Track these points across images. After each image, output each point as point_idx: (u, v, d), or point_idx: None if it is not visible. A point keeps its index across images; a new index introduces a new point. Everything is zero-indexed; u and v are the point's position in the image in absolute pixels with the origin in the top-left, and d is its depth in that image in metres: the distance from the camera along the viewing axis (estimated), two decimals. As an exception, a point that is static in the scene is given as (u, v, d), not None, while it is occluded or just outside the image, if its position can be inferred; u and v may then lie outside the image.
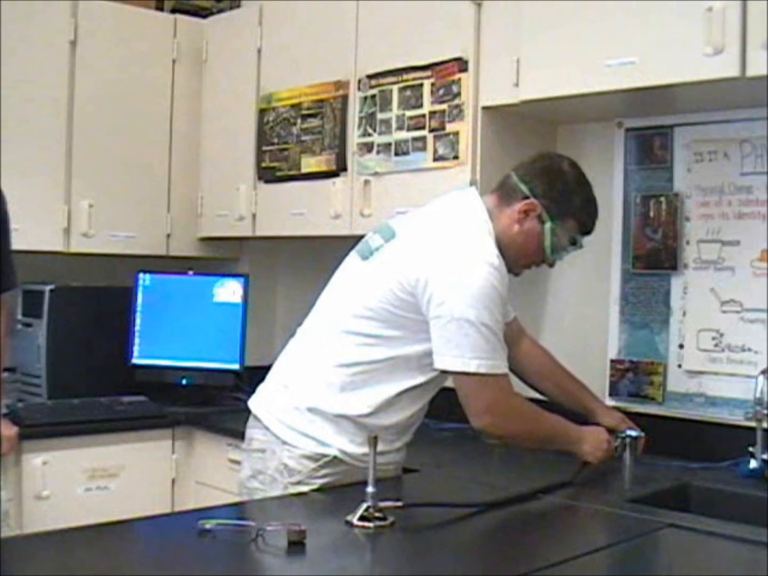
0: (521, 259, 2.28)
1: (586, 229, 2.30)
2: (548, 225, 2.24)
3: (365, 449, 2.10)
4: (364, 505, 1.82)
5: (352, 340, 2.18)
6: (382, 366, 2.18)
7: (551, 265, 2.36)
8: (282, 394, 2.25)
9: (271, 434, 2.22)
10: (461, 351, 2.09)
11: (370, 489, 1.83)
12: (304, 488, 2.16)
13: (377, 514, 1.82)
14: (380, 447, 2.14)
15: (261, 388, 2.34)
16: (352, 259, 2.31)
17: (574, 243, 2.29)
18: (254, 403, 2.31)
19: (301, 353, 2.30)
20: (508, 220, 2.25)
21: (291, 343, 2.36)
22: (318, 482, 2.16)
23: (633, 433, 2.50)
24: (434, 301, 2.10)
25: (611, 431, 2.44)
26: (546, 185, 2.24)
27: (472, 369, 2.10)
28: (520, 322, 2.61)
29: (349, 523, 1.82)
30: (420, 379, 2.21)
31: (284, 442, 2.19)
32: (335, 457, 2.17)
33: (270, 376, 2.34)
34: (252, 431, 2.29)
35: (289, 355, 2.33)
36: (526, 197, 2.24)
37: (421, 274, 2.11)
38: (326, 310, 2.30)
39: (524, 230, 2.24)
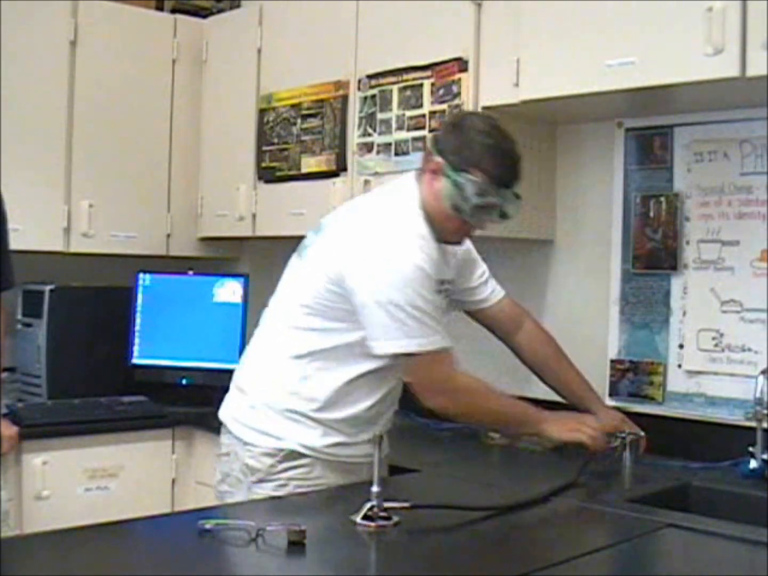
0: (445, 224, 2.19)
1: (496, 180, 2.13)
2: (452, 179, 2.13)
3: (326, 440, 2.18)
4: (369, 505, 1.82)
5: (298, 335, 2.21)
6: (328, 356, 2.19)
7: (475, 227, 2.23)
8: (239, 395, 2.30)
9: (233, 437, 2.26)
10: (395, 334, 2.09)
11: (374, 488, 1.82)
12: (267, 486, 2.18)
13: (381, 514, 1.82)
14: (341, 438, 2.20)
15: (227, 395, 2.38)
16: (293, 258, 2.35)
17: (483, 195, 2.12)
18: (221, 409, 2.35)
19: (253, 353, 2.34)
20: (426, 188, 2.20)
21: (248, 345, 2.40)
22: (280, 478, 2.18)
23: (638, 433, 2.51)
24: (359, 291, 2.10)
25: (612, 433, 2.42)
26: (448, 140, 2.17)
27: (412, 349, 2.09)
28: (520, 304, 2.61)
29: (353, 522, 1.82)
30: (367, 365, 2.19)
31: (245, 443, 2.22)
32: (293, 451, 2.18)
33: (232, 381, 2.38)
34: (221, 437, 2.33)
35: (245, 357, 2.37)
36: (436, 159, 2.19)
37: (343, 266, 2.13)
38: (273, 310, 2.33)
39: (436, 191, 2.17)
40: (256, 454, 2.20)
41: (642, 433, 2.47)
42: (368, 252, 2.11)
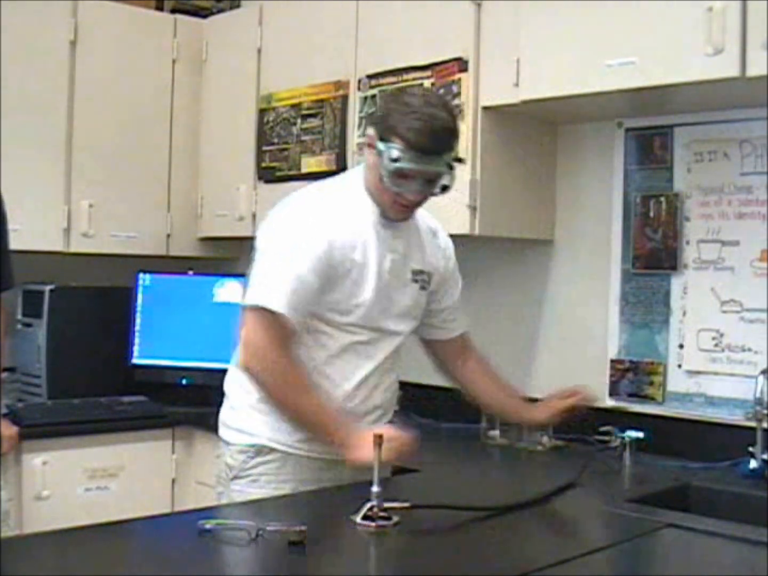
0: (381, 196, 2.17)
1: (413, 145, 2.06)
2: (378, 149, 2.11)
3: (297, 435, 2.17)
4: (369, 505, 1.82)
5: None
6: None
7: (410, 198, 2.14)
8: (225, 399, 2.34)
9: (221, 439, 2.31)
10: (253, 283, 2.14)
11: (375, 488, 1.82)
12: (240, 482, 2.21)
13: (381, 514, 1.82)
14: (301, 435, 2.18)
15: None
16: None
17: (397, 161, 2.06)
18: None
19: (233, 353, 2.35)
20: (367, 164, 2.21)
21: None
22: (251, 474, 2.20)
23: (632, 434, 2.51)
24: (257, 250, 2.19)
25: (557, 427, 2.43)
26: (379, 111, 2.20)
27: (252, 300, 2.12)
28: (470, 338, 2.54)
29: (353, 522, 1.82)
30: (325, 352, 2.18)
31: (226, 443, 2.27)
32: (264, 446, 2.19)
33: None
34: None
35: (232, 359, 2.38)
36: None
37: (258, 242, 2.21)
38: None
39: (370, 165, 2.17)
40: (233, 452, 2.24)
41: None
42: (275, 218, 2.19)
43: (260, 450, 2.19)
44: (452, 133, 2.14)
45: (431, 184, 2.14)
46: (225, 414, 2.31)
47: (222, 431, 2.30)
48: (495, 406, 2.58)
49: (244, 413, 2.24)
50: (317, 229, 2.12)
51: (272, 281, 2.10)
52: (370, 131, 2.16)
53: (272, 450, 2.19)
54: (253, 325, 2.11)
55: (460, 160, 2.19)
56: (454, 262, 2.42)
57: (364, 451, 1.97)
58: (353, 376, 2.20)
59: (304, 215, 2.16)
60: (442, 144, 2.10)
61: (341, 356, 2.19)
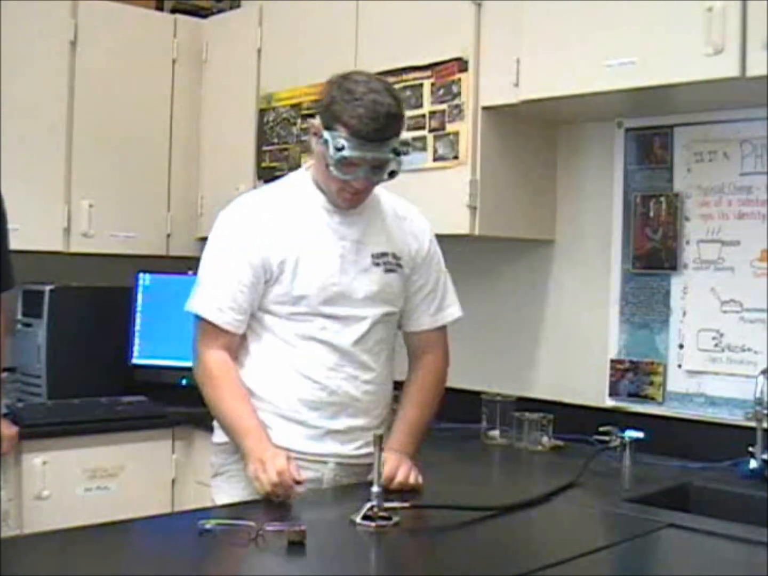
0: (328, 185, 2.14)
1: (357, 132, 2.02)
2: (323, 137, 2.07)
3: (276, 432, 2.12)
4: (369, 504, 1.82)
5: None
6: (246, 341, 2.21)
7: (356, 186, 2.10)
8: None
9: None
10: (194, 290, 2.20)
11: (375, 488, 1.83)
12: (219, 479, 2.23)
13: (382, 514, 1.82)
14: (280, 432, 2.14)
15: None
16: None
17: (341, 149, 2.02)
18: None
19: None
20: (314, 155, 2.19)
21: None
22: (230, 470, 2.20)
23: (632, 434, 2.51)
24: None
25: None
26: (324, 99, 2.12)
27: (189, 306, 2.18)
28: (444, 340, 2.36)
29: (353, 522, 1.82)
30: (269, 345, 2.18)
31: (212, 442, 2.29)
32: None
33: None
34: None
35: None
36: None
37: None
38: None
39: (316, 154, 2.15)
40: (216, 450, 2.26)
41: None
42: (216, 222, 2.24)
43: (238, 448, 2.15)
44: (397, 119, 2.09)
45: (378, 171, 2.09)
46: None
47: (214, 433, 2.30)
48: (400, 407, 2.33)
49: None
50: (249, 230, 2.15)
51: (205, 287, 2.17)
52: (315, 120, 2.13)
53: None
54: (195, 331, 2.18)
55: (407, 144, 2.14)
56: (429, 250, 2.31)
57: (262, 469, 1.96)
58: (319, 366, 2.16)
59: (235, 216, 2.20)
60: (387, 130, 2.06)
61: (303, 345, 2.15)
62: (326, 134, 2.06)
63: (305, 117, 3.38)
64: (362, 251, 2.20)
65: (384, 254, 2.22)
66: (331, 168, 2.06)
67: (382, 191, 2.27)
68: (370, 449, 2.15)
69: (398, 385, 2.36)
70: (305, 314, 2.15)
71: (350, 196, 2.13)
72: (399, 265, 2.25)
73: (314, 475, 2.14)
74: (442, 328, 2.35)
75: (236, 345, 2.19)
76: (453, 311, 2.35)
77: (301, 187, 2.22)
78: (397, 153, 2.10)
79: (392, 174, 2.12)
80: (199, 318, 2.17)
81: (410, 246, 2.27)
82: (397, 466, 2.09)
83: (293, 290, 2.14)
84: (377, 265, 2.21)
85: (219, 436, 2.24)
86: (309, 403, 2.15)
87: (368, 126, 2.03)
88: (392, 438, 2.21)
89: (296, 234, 2.16)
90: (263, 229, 2.15)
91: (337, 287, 2.15)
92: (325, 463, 2.17)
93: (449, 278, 2.38)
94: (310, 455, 2.15)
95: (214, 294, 2.14)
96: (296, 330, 2.15)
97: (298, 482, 1.97)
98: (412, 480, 2.09)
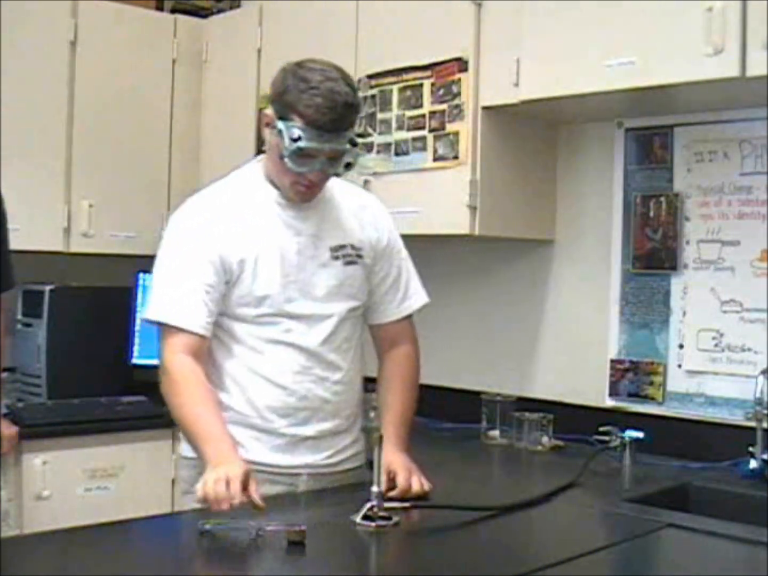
0: (280, 178, 2.07)
1: (313, 123, 1.96)
2: (277, 128, 1.99)
3: (250, 447, 2.05)
4: (369, 505, 1.82)
5: None
6: (211, 347, 2.11)
7: (311, 178, 2.03)
8: None
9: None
10: (151, 299, 2.11)
11: (375, 488, 1.83)
12: (189, 497, 2.05)
13: (382, 514, 1.82)
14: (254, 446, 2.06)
15: None
16: None
17: (298, 140, 1.95)
18: None
19: None
20: (266, 147, 2.11)
21: None
22: (197, 489, 1.96)
23: (632, 434, 2.51)
24: None
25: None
26: (272, 90, 2.05)
27: (148, 315, 2.09)
28: (412, 330, 2.29)
29: (353, 522, 1.82)
30: (235, 352, 2.10)
31: (180, 455, 2.19)
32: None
33: None
34: None
35: None
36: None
37: None
38: None
39: (270, 146, 2.07)
40: (186, 465, 2.14)
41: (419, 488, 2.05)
42: (168, 225, 2.16)
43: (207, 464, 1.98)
44: (354, 109, 2.02)
45: (334, 163, 2.03)
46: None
47: (181, 446, 2.19)
48: (381, 402, 2.24)
49: None
50: (203, 231, 2.06)
51: (164, 292, 2.07)
52: (268, 110, 2.05)
53: None
54: (160, 342, 2.07)
55: (362, 136, 2.09)
56: (390, 239, 2.25)
57: (216, 482, 1.81)
58: (286, 370, 2.08)
59: (188, 217, 2.11)
60: (344, 120, 1.99)
61: (269, 350, 2.08)
62: (280, 124, 1.98)
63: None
64: (319, 245, 2.12)
65: (342, 247, 2.15)
66: (286, 160, 1.99)
67: (337, 181, 2.19)
68: (342, 457, 2.16)
69: (368, 381, 2.30)
70: (270, 315, 2.07)
71: (304, 189, 2.06)
72: (359, 257, 2.17)
73: (287, 489, 2.08)
74: (409, 317, 2.28)
75: (204, 352, 2.06)
76: (419, 298, 2.29)
77: (252, 181, 2.14)
78: (354, 144, 2.04)
79: (348, 166, 2.05)
80: (163, 326, 2.04)
81: (370, 236, 2.20)
82: (409, 477, 2.03)
83: (255, 290, 2.06)
84: (336, 258, 2.13)
85: (186, 449, 2.13)
86: (278, 411, 2.08)
87: (326, 116, 1.96)
88: (388, 433, 2.08)
89: (253, 231, 2.08)
90: (220, 228, 2.06)
91: (296, 284, 2.08)
92: (298, 475, 2.10)
93: (411, 264, 2.30)
94: (282, 468, 2.09)
95: (179, 297, 2.03)
96: (261, 334, 2.07)
97: (256, 506, 1.81)
98: (426, 487, 2.05)
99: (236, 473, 1.82)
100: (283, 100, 2.00)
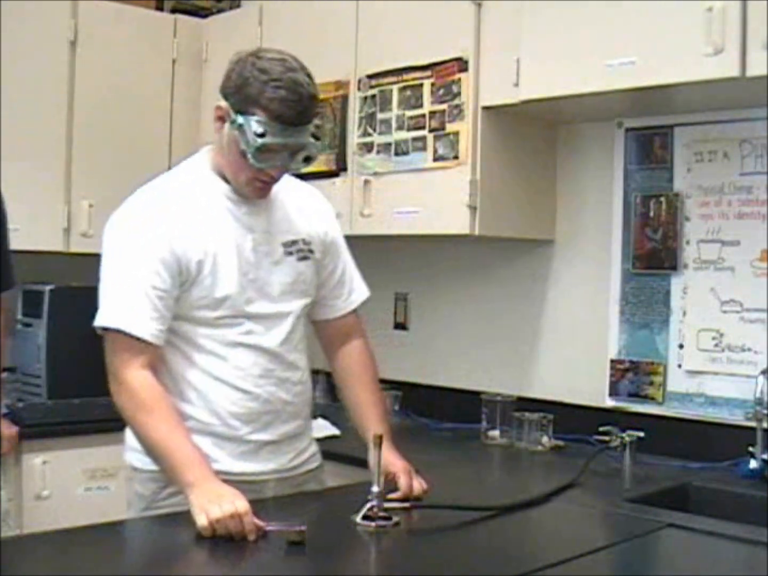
0: (237, 175, 1.97)
1: (279, 117, 1.88)
2: (236, 122, 1.90)
3: (215, 454, 1.96)
4: (369, 505, 1.82)
5: None
6: (166, 355, 2.00)
7: (271, 173, 1.96)
8: None
9: (127, 462, 2.09)
10: (101, 305, 1.94)
11: (375, 488, 1.82)
12: (152, 514, 1.97)
13: (381, 514, 1.82)
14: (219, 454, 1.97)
15: None
16: None
17: (263, 135, 1.87)
18: None
19: None
20: (216, 141, 2.01)
21: None
22: (164, 506, 1.95)
23: (632, 434, 2.51)
24: None
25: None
26: (230, 80, 1.94)
27: (98, 322, 1.93)
28: (361, 323, 2.26)
29: (353, 522, 1.82)
30: (196, 360, 1.99)
31: (134, 468, 2.04)
32: None
33: None
34: None
35: None
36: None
37: None
38: None
39: (224, 141, 1.96)
40: (143, 479, 2.01)
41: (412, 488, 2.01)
42: (111, 224, 2.00)
43: (170, 480, 1.92)
44: (316, 100, 1.96)
45: (295, 157, 1.96)
46: (129, 435, 2.04)
47: (128, 455, 2.06)
48: (353, 418, 2.20)
49: None
50: (155, 229, 1.93)
51: (117, 298, 1.92)
52: (222, 103, 1.94)
53: None
54: (107, 347, 1.94)
55: (318, 127, 2.02)
56: (336, 229, 2.20)
57: (209, 510, 1.71)
58: (250, 372, 2.00)
59: (135, 215, 1.98)
60: (309, 113, 1.93)
61: (230, 353, 1.99)
62: (241, 119, 1.89)
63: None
64: (272, 242, 2.05)
65: (294, 242, 2.08)
66: (249, 156, 1.89)
67: None
68: (303, 458, 2.11)
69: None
70: (230, 317, 1.97)
71: (262, 185, 1.98)
72: (311, 251, 2.11)
73: (255, 497, 1.91)
74: (356, 310, 2.24)
75: (157, 361, 1.95)
76: (363, 290, 2.25)
77: (201, 175, 2.03)
78: (317, 137, 1.98)
79: (307, 160, 1.98)
80: (113, 334, 1.91)
81: (318, 229, 2.13)
82: (410, 479, 2.00)
83: (214, 292, 1.95)
84: (290, 254, 2.06)
85: (143, 461, 1.99)
86: (242, 417, 1.99)
87: (292, 109, 1.88)
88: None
89: (208, 229, 1.97)
90: (172, 226, 1.93)
91: (255, 284, 2.00)
92: (265, 482, 2.04)
93: (350, 256, 2.25)
94: (249, 475, 2.01)
95: (130, 304, 1.90)
96: (221, 337, 1.98)
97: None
98: (425, 487, 2.02)
99: (245, 507, 1.72)
100: (243, 93, 1.90)
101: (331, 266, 2.18)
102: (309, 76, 1.95)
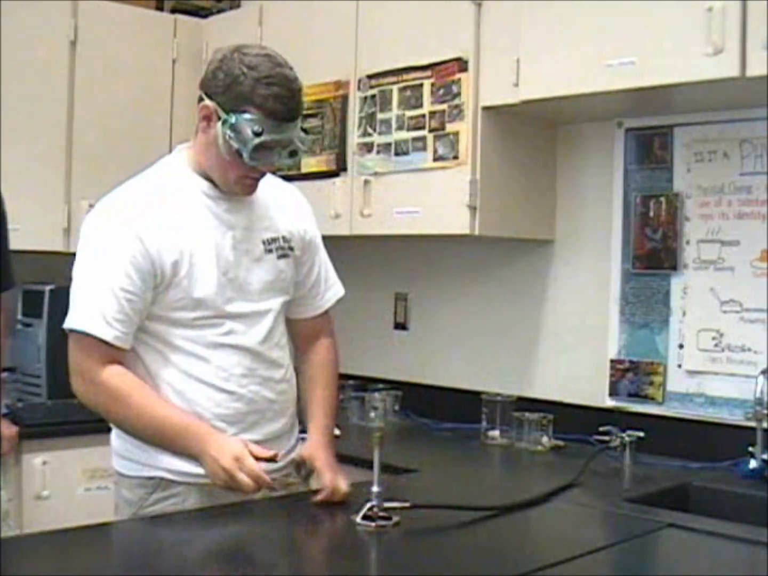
0: (226, 174, 1.95)
1: (273, 114, 1.88)
2: (227, 122, 1.89)
3: (192, 467, 1.93)
4: (369, 505, 1.82)
5: None
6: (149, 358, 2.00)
7: (263, 170, 1.96)
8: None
9: (114, 469, 2.09)
10: (71, 307, 1.98)
11: (374, 488, 1.82)
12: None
13: (381, 514, 1.82)
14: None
15: None
16: None
17: (260, 134, 1.86)
18: None
19: None
20: (200, 140, 1.99)
21: None
22: (152, 512, 1.95)
23: (632, 434, 2.51)
24: None
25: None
26: (217, 78, 1.93)
27: (67, 324, 1.97)
28: (332, 322, 2.25)
29: (353, 522, 1.82)
30: (176, 363, 1.97)
31: (121, 474, 2.04)
32: (164, 479, 1.95)
33: None
34: None
35: None
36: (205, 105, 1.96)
37: None
38: None
39: (211, 139, 1.94)
40: (131, 485, 2.00)
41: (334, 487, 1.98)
42: (86, 224, 2.01)
43: (159, 483, 1.95)
44: (302, 93, 1.95)
45: (284, 152, 1.95)
46: (114, 441, 2.08)
47: (115, 461, 2.06)
48: (304, 410, 2.17)
49: (136, 442, 1.99)
50: (127, 229, 1.90)
51: (85, 299, 1.94)
52: (208, 102, 1.94)
53: (172, 482, 1.95)
54: (72, 348, 1.97)
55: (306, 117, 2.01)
56: (313, 227, 2.18)
57: (219, 464, 1.79)
58: (232, 373, 1.98)
59: (110, 216, 1.96)
60: (300, 108, 1.94)
61: (211, 355, 1.96)
62: (233, 118, 1.87)
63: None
64: (252, 239, 2.02)
65: (274, 239, 2.06)
66: (245, 154, 1.88)
67: None
68: (287, 459, 2.05)
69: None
70: (209, 318, 1.95)
71: (251, 182, 1.97)
72: (291, 248, 2.09)
73: (244, 498, 1.93)
74: (328, 309, 2.23)
75: (125, 363, 1.94)
76: (337, 290, 2.23)
77: (178, 173, 2.01)
78: (306, 131, 1.99)
79: (293, 154, 1.97)
80: (78, 334, 1.94)
81: (297, 227, 2.12)
82: (336, 478, 1.97)
83: (192, 292, 1.92)
84: (270, 252, 2.04)
85: (132, 468, 2.00)
86: (227, 418, 1.97)
87: (285, 105, 1.88)
88: (314, 422, 2.08)
89: (184, 228, 1.94)
90: (147, 227, 1.91)
91: (234, 282, 1.98)
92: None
93: (326, 254, 2.23)
94: None
95: (98, 306, 1.91)
96: (200, 339, 1.95)
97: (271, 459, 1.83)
98: (348, 489, 1.97)
99: (251, 464, 1.79)
100: (234, 91, 1.89)
101: (308, 264, 2.16)
102: (292, 69, 1.95)
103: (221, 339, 1.97)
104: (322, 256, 2.21)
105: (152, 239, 1.90)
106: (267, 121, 1.87)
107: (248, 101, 1.88)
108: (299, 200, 2.19)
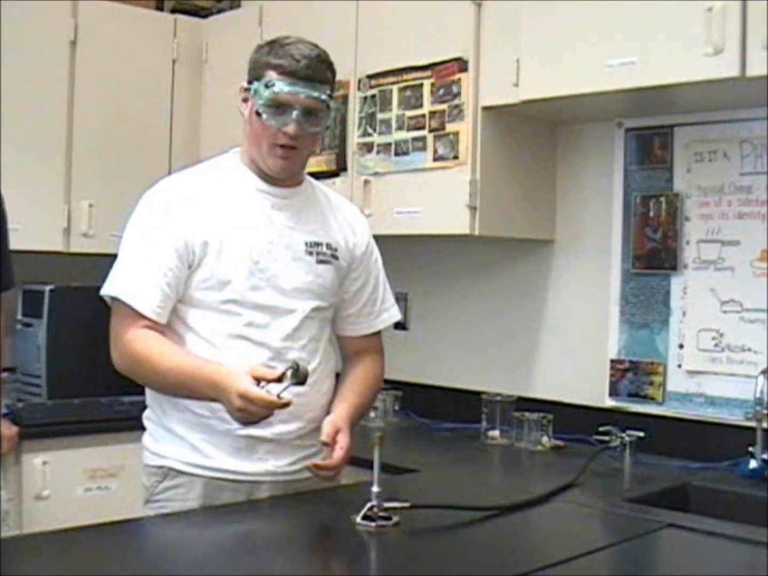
0: (257, 144, 2.03)
1: (283, 70, 1.96)
2: (252, 90, 2.00)
3: (208, 454, 1.97)
4: (369, 505, 1.82)
5: None
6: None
7: (283, 138, 1.99)
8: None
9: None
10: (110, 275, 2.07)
11: (374, 488, 1.82)
12: (150, 507, 2.03)
13: (381, 514, 1.82)
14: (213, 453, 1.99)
15: None
16: None
17: (272, 86, 1.95)
18: None
19: None
20: (244, 127, 2.10)
21: None
22: (159, 500, 2.01)
23: (632, 434, 2.51)
24: None
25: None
26: (249, 66, 2.06)
27: (104, 291, 2.05)
28: (382, 342, 2.25)
29: (353, 522, 1.82)
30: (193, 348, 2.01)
31: (145, 465, 2.09)
32: (172, 469, 2.01)
33: None
34: None
35: None
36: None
37: None
38: None
39: (249, 116, 2.05)
40: (147, 473, 2.07)
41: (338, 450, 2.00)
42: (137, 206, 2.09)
43: (167, 473, 2.01)
44: (327, 65, 2.02)
45: (310, 118, 1.98)
46: (146, 431, 2.12)
47: (144, 450, 2.12)
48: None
49: (154, 432, 2.07)
50: (166, 211, 2.00)
51: (125, 270, 2.02)
52: (243, 84, 2.05)
53: (179, 473, 2.00)
54: (112, 313, 2.05)
55: (331, 97, 2.00)
56: (368, 246, 2.20)
57: (232, 407, 1.81)
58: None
59: (158, 196, 2.06)
60: (318, 71, 1.99)
61: (228, 346, 1.98)
62: (255, 84, 1.99)
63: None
64: (295, 238, 2.06)
65: (318, 244, 2.09)
66: (262, 113, 1.97)
67: (315, 181, 2.19)
68: (305, 464, 2.02)
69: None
70: (232, 303, 1.97)
71: (283, 152, 2.00)
72: (335, 257, 2.11)
73: (246, 498, 1.99)
74: (380, 331, 2.24)
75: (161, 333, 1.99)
76: (393, 313, 2.24)
77: (229, 166, 2.11)
78: (328, 105, 2.01)
79: (308, 113, 1.98)
80: (118, 304, 2.01)
81: (347, 238, 2.15)
82: (337, 431, 1.98)
83: (218, 274, 1.97)
84: (310, 254, 2.07)
85: (148, 457, 2.06)
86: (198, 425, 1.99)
87: (299, 63, 1.96)
88: (348, 401, 2.07)
89: (222, 215, 2.01)
90: (185, 209, 2.00)
91: (265, 273, 2.00)
92: (258, 483, 2.01)
93: (385, 276, 2.25)
94: (240, 474, 1.99)
95: (137, 278, 1.99)
96: (221, 327, 1.98)
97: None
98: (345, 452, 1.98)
99: (257, 394, 1.79)
100: (256, 63, 2.02)
101: (360, 281, 2.18)
102: (325, 52, 2.03)
103: (242, 330, 1.99)
104: (379, 278, 2.23)
105: (189, 221, 1.98)
106: (281, 77, 1.96)
107: (266, 65, 1.99)
108: (357, 218, 2.23)
